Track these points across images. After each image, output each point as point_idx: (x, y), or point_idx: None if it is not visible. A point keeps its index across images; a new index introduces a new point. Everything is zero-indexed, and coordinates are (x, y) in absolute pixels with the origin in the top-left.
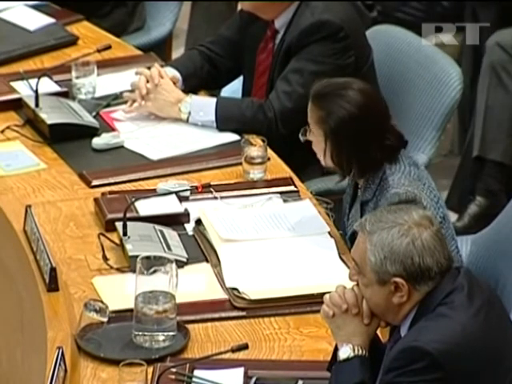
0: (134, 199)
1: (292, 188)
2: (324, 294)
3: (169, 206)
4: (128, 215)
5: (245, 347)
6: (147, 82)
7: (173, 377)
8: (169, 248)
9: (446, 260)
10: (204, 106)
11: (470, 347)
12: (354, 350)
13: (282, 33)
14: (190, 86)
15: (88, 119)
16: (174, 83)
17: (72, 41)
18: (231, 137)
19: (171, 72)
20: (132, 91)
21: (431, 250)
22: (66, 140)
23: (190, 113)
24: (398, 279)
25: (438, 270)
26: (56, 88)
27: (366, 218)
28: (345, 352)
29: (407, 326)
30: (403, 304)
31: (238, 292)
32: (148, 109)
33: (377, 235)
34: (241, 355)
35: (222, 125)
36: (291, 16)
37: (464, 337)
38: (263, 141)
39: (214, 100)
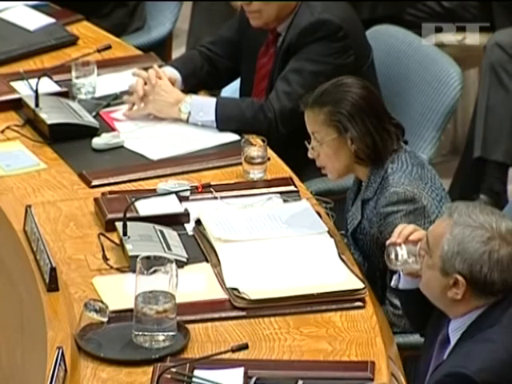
0: (134, 199)
1: (292, 188)
2: (324, 293)
3: (169, 205)
4: (128, 215)
5: (245, 347)
6: (145, 83)
7: (173, 377)
8: (169, 248)
9: None
10: (204, 106)
11: None
12: None
13: (284, 35)
14: (190, 86)
15: (88, 119)
16: (173, 83)
17: (72, 41)
18: (231, 137)
19: (170, 72)
20: (131, 94)
21: (503, 268)
22: (66, 140)
23: (189, 113)
24: (460, 277)
25: (501, 287)
26: (56, 88)
27: (457, 205)
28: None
29: (461, 329)
30: (457, 302)
31: (238, 292)
32: (148, 110)
33: (460, 228)
34: (241, 355)
35: (222, 125)
36: (292, 17)
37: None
38: (263, 141)
39: (213, 100)
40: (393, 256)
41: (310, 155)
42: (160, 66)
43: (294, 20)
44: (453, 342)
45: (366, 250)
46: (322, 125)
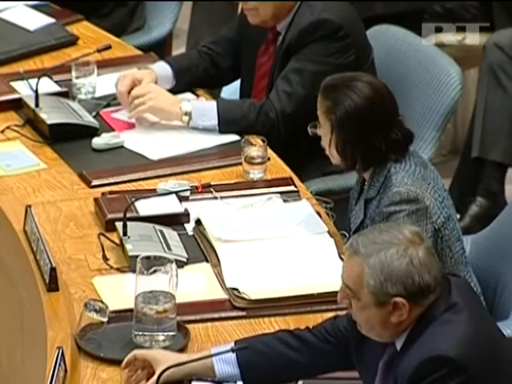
0: (134, 199)
1: (292, 188)
2: (324, 293)
3: (169, 205)
4: (128, 215)
5: (245, 347)
6: (130, 90)
7: None
8: (169, 248)
9: (440, 272)
10: (205, 110)
11: (486, 346)
12: None
13: (283, 34)
14: (184, 83)
15: (88, 119)
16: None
17: (72, 41)
18: (231, 137)
19: (159, 67)
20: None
21: (427, 267)
22: (66, 140)
23: (191, 115)
24: (398, 299)
25: (435, 284)
26: (56, 88)
27: (356, 240)
28: None
29: (403, 339)
30: (402, 321)
31: (238, 292)
32: (147, 112)
33: (374, 258)
34: None
35: (224, 128)
36: (292, 16)
37: (478, 338)
38: (263, 141)
39: (214, 103)
40: None
41: (309, 129)
42: (139, 68)
43: (294, 19)
44: (399, 346)
45: None
46: (323, 115)
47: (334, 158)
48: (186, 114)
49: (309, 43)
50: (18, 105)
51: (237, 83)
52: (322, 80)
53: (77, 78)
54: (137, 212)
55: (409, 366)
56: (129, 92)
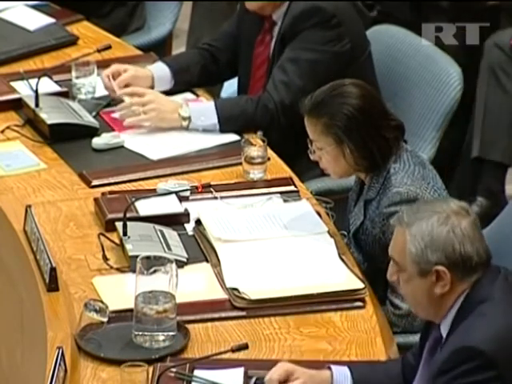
0: (134, 199)
1: (292, 188)
2: (324, 293)
3: (169, 205)
4: (128, 215)
5: (245, 347)
6: (113, 78)
7: (173, 376)
8: (169, 248)
9: (485, 252)
10: (203, 110)
11: None
12: None
13: (280, 23)
14: (183, 82)
15: (88, 119)
16: (151, 84)
17: (72, 41)
18: (231, 137)
19: (157, 68)
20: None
21: (471, 238)
22: (66, 140)
23: (190, 118)
24: (439, 267)
25: (478, 259)
26: (56, 88)
27: (402, 211)
28: None
29: (449, 324)
30: (446, 295)
31: (238, 292)
32: (148, 122)
33: (416, 225)
34: (241, 355)
35: (225, 126)
36: (287, 5)
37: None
38: (263, 141)
39: (211, 103)
40: None
41: (311, 158)
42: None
43: (289, 9)
44: (445, 334)
45: (368, 251)
46: (321, 134)
47: (341, 172)
48: (184, 118)
49: (302, 31)
50: (18, 105)
51: (236, 85)
52: (319, 68)
53: (77, 77)
54: (137, 212)
55: (442, 355)
56: (114, 78)
